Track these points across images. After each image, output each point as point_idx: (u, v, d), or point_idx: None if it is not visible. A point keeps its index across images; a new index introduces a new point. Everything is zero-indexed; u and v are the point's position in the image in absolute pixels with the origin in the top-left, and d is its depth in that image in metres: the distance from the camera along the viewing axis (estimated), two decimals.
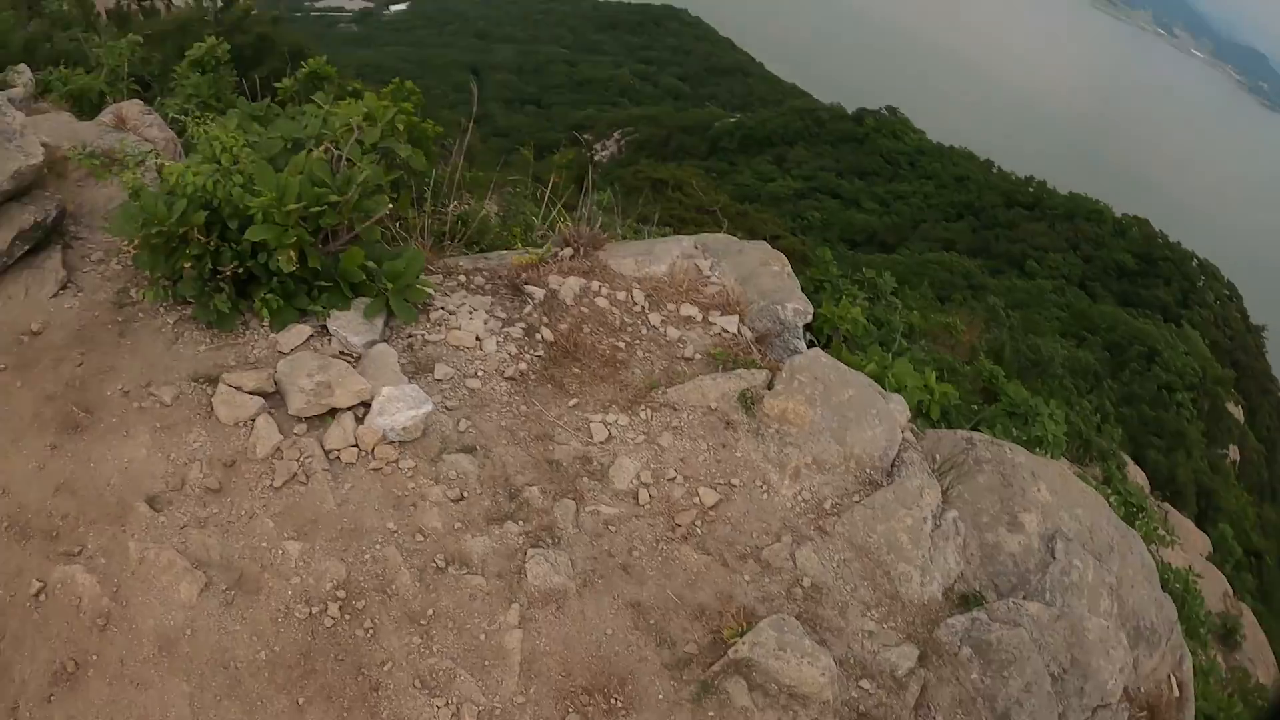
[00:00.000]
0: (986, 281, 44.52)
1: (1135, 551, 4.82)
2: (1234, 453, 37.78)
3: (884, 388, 4.83)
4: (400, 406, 3.60)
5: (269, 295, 3.75)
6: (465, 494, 3.57)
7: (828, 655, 3.24)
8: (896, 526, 3.82)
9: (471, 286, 4.75)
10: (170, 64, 9.28)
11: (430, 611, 3.19)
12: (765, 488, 3.97)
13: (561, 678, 3.13)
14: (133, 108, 6.40)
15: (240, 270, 3.69)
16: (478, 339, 4.26)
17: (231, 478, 3.42)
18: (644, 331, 4.77)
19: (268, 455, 3.46)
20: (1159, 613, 4.66)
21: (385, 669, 3.02)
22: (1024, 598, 3.94)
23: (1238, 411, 41.10)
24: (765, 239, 7.34)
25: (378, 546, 3.30)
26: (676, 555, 3.61)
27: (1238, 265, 62.18)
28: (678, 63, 75.43)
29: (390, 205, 4.16)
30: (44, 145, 4.57)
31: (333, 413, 3.63)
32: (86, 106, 8.17)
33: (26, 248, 4.20)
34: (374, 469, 3.53)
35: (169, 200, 3.66)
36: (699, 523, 3.75)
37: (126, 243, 3.83)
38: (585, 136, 40.57)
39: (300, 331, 3.87)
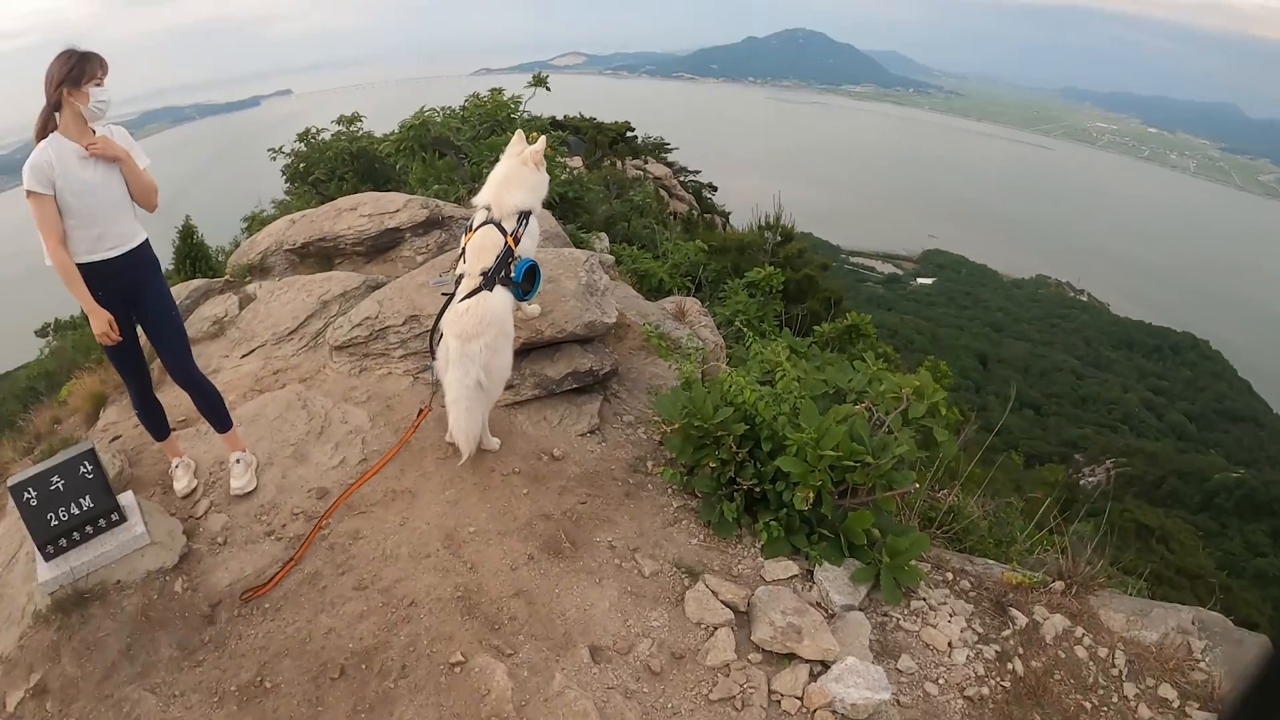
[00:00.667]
0: None
1: None
2: None
3: None
4: (859, 682, 3.25)
5: (772, 522, 3.70)
6: None
7: None
8: None
9: (956, 588, 4.34)
10: (724, 275, 10.93)
11: None
12: None
13: None
14: (692, 304, 7.46)
15: (756, 489, 3.72)
16: (950, 645, 3.80)
17: (674, 669, 3.29)
18: (1114, 699, 3.93)
19: (716, 666, 3.31)
20: None
21: None
22: None
23: None
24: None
25: None
26: None
27: None
28: (1188, 398, 65.45)
29: (915, 485, 3.89)
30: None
31: (790, 657, 3.38)
32: (646, 285, 9.94)
33: (574, 386, 4.80)
34: None
35: (717, 402, 3.91)
36: None
37: (664, 421, 4.17)
38: (1077, 456, 37.12)
39: (787, 567, 3.74)
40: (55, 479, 3.58)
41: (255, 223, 12.97)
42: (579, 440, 4.56)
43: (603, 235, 11.10)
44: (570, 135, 22.03)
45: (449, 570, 3.60)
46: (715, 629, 3.41)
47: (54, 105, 3.26)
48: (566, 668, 3.21)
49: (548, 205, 8.77)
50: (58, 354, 10.37)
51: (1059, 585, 4.66)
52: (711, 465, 3.76)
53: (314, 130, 13.70)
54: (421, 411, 4.41)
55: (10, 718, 3.17)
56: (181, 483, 4.22)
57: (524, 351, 4.75)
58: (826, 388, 4.30)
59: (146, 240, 3.62)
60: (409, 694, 3.11)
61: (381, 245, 7.11)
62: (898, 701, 3.41)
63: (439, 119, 10.62)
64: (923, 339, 45.04)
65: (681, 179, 29.17)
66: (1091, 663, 4.02)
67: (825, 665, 3.36)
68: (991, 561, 5.01)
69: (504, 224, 4.18)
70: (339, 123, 13.58)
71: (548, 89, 10.81)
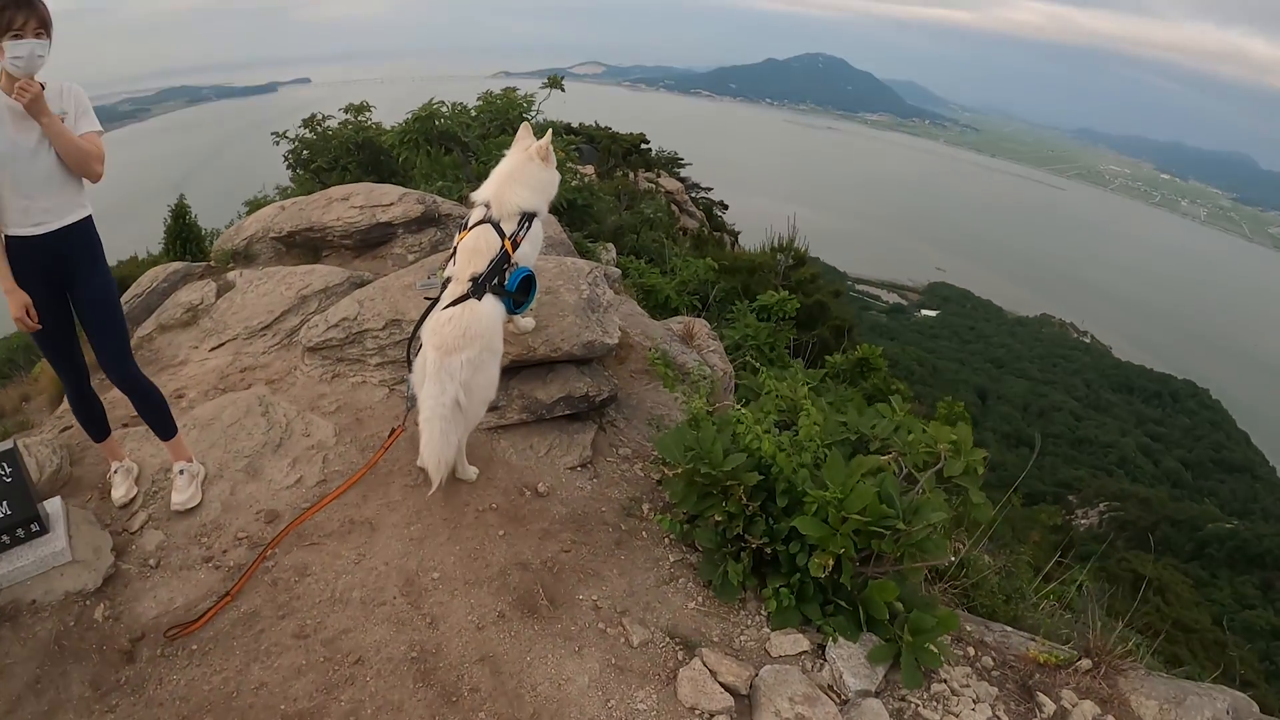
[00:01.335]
0: None
1: None
2: None
3: None
4: None
5: (783, 589, 3.17)
6: None
7: None
8: None
9: (978, 666, 3.86)
10: (733, 296, 10.48)
11: None
12: None
13: None
14: (701, 326, 6.98)
15: (767, 548, 3.21)
16: None
17: None
18: None
19: None
20: None
21: None
22: None
23: None
24: None
25: None
26: None
27: None
28: (1185, 445, 65.10)
29: (951, 559, 3.39)
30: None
31: None
32: (652, 302, 9.50)
33: (566, 412, 4.28)
34: None
35: (728, 446, 3.42)
36: None
37: (665, 464, 3.68)
38: (1070, 498, 36.68)
39: (797, 641, 3.20)
40: None
41: (254, 208, 12.55)
42: (568, 474, 4.07)
43: (610, 246, 10.68)
44: (584, 142, 21.69)
45: (405, 623, 3.10)
46: (712, 717, 2.89)
47: None
48: None
49: (554, 210, 8.32)
50: None
51: (1085, 664, 4.30)
52: (717, 518, 3.26)
53: (320, 117, 13.30)
54: (394, 431, 3.90)
55: None
56: (120, 490, 3.76)
57: (513, 369, 4.26)
58: (847, 432, 3.83)
59: (88, 218, 3.16)
60: None
61: (371, 240, 6.64)
62: None
63: (446, 111, 10.19)
64: (923, 370, 44.52)
65: (693, 195, 28.82)
66: None
67: None
68: (1009, 629, 4.58)
69: (503, 225, 3.71)
70: (347, 111, 13.17)
71: (562, 89, 10.39)
